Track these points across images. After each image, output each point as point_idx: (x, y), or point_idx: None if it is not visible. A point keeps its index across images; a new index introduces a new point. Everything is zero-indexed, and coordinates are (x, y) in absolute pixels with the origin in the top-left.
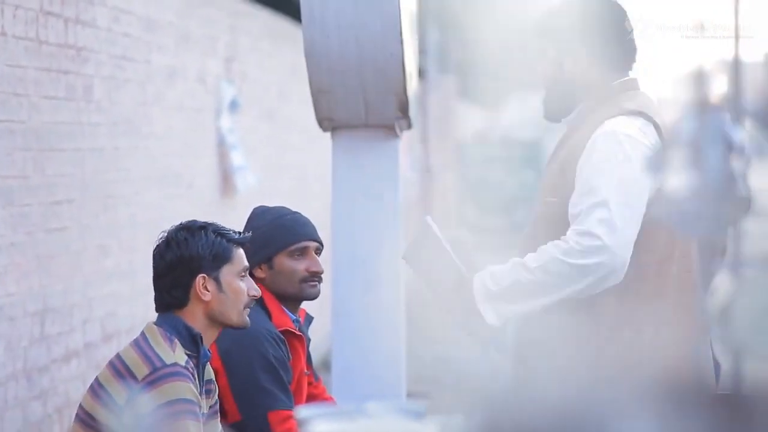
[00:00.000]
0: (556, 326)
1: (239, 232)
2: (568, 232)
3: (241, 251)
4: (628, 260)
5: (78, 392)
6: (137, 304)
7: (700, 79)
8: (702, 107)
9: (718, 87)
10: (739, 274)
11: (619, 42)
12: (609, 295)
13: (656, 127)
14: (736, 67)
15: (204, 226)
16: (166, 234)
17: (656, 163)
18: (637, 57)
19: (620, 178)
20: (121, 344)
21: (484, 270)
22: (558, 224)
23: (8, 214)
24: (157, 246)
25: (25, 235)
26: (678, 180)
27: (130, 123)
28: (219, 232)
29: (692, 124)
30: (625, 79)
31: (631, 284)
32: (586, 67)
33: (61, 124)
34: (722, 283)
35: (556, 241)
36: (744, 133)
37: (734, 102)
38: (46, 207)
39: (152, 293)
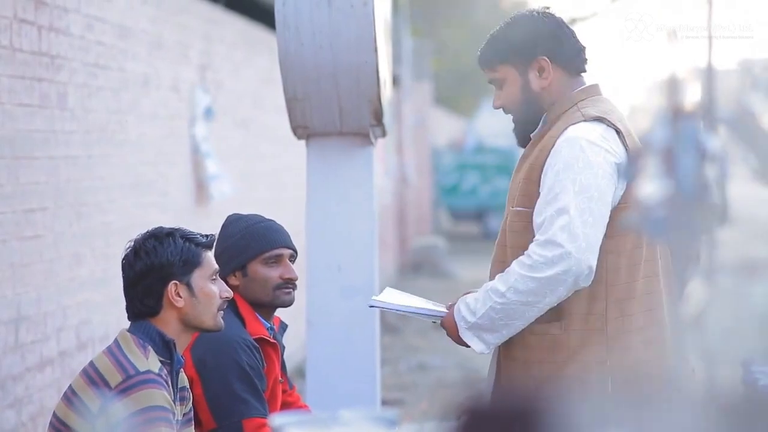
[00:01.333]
0: (529, 329)
1: (206, 235)
2: (530, 245)
3: (210, 254)
4: (594, 264)
5: (52, 400)
6: (111, 312)
7: (673, 86)
8: (675, 114)
9: (692, 94)
10: (712, 282)
11: (572, 47)
12: (579, 300)
13: (618, 132)
14: (709, 75)
15: (171, 233)
16: (133, 243)
17: (621, 171)
18: (586, 58)
19: (581, 184)
20: (96, 352)
21: (459, 300)
22: (529, 233)
23: None
24: (126, 256)
25: None
26: (651, 187)
27: (104, 131)
28: (187, 237)
29: (665, 131)
30: (587, 86)
31: (599, 288)
32: (550, 78)
33: (34, 132)
34: (696, 290)
35: (520, 258)
36: (717, 141)
37: (707, 109)
38: (19, 215)
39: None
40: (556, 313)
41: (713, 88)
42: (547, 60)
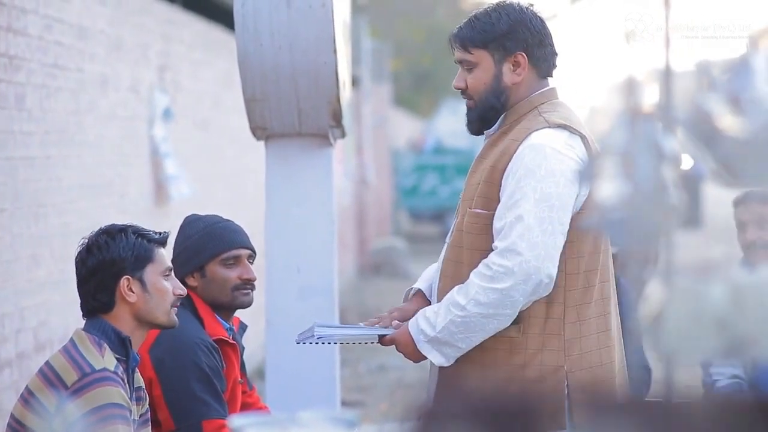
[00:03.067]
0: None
1: (159, 233)
2: (490, 255)
3: (163, 251)
4: (554, 273)
5: (11, 402)
6: (70, 313)
7: (631, 88)
8: (633, 116)
9: (650, 96)
10: (670, 283)
11: (551, 49)
12: (538, 304)
13: (583, 138)
14: (667, 76)
15: (124, 229)
16: (86, 240)
17: (583, 176)
18: (557, 65)
19: (542, 192)
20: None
21: (418, 313)
22: (488, 235)
23: None
24: (79, 252)
25: None
26: (609, 189)
27: (62, 132)
28: (139, 233)
29: (623, 132)
30: (545, 89)
31: (558, 293)
32: (523, 75)
33: None
34: (654, 291)
35: (479, 270)
36: (675, 142)
37: (665, 111)
38: None
39: None
40: (516, 317)
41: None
42: (525, 57)
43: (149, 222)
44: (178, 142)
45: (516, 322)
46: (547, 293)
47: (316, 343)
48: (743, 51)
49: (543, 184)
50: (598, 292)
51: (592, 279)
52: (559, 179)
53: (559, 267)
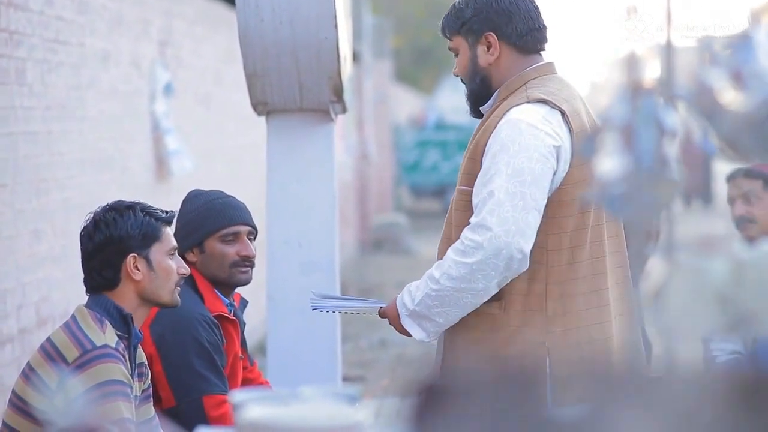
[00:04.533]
0: (473, 313)
1: (166, 211)
2: (464, 230)
3: (169, 230)
4: (527, 248)
5: (12, 378)
6: (71, 288)
7: (632, 63)
8: (634, 91)
9: (651, 71)
10: (671, 258)
11: (525, 24)
12: (520, 280)
13: (563, 114)
14: (668, 52)
15: (131, 206)
16: (93, 215)
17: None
18: (548, 38)
19: (514, 167)
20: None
21: (404, 287)
22: (471, 212)
23: None
24: (85, 227)
25: None
26: (610, 163)
27: (63, 107)
28: (147, 211)
29: (625, 107)
30: (539, 64)
31: (539, 269)
32: (497, 54)
33: None
34: (655, 266)
35: (455, 244)
36: (676, 117)
37: (667, 86)
38: None
39: None
40: (497, 293)
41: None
42: (495, 37)
43: (150, 197)
44: (179, 117)
45: (498, 298)
46: (524, 269)
47: (323, 311)
48: (744, 26)
49: (516, 159)
50: (587, 268)
51: (578, 255)
52: (533, 154)
53: (540, 243)
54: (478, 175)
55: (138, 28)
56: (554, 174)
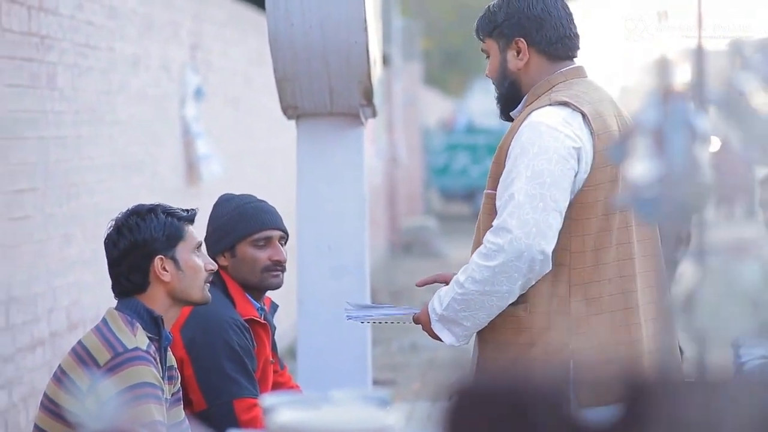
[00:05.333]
0: (500, 315)
1: (187, 210)
2: (486, 234)
3: (191, 228)
4: (548, 249)
5: (44, 381)
6: (101, 292)
7: (664, 67)
8: (665, 95)
9: (682, 75)
10: (703, 263)
11: (556, 32)
12: (544, 282)
13: (584, 116)
14: (699, 55)
15: (152, 209)
16: (115, 222)
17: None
18: (580, 46)
19: (533, 169)
20: None
21: (436, 292)
22: (496, 215)
23: None
24: (108, 234)
25: None
26: (642, 167)
27: (93, 111)
28: (168, 212)
29: (656, 111)
30: (567, 68)
31: (563, 271)
32: (526, 59)
33: (24, 113)
34: (686, 271)
35: (479, 248)
36: (708, 121)
37: (698, 90)
38: (9, 196)
39: None
40: (522, 295)
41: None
42: (524, 42)
43: (180, 201)
44: (209, 121)
45: (523, 300)
46: (546, 270)
47: (362, 322)
48: None
49: (535, 161)
50: (613, 270)
51: (603, 257)
52: (552, 156)
53: (563, 245)
54: (500, 178)
55: (168, 32)
56: (575, 176)
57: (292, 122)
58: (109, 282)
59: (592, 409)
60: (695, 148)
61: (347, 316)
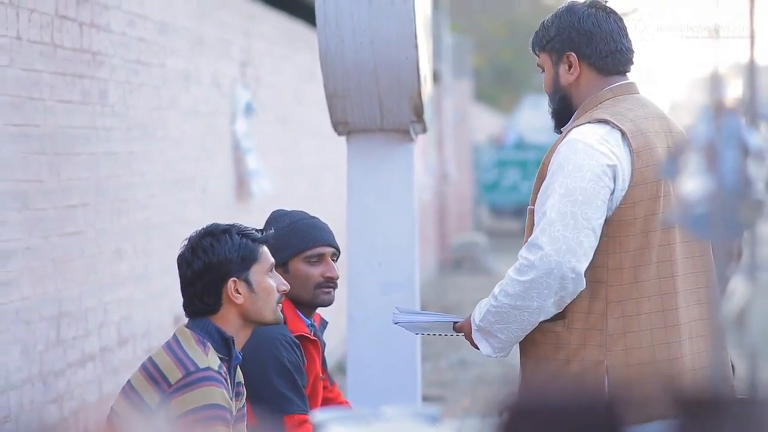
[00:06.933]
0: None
1: (261, 230)
2: (521, 249)
3: (265, 249)
4: (580, 267)
5: (94, 396)
6: (152, 308)
7: (715, 82)
8: (717, 110)
9: (733, 90)
10: (754, 278)
11: (607, 46)
12: (582, 299)
13: (623, 134)
14: (751, 71)
15: (227, 230)
16: (189, 241)
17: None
18: (633, 60)
19: (567, 187)
20: (137, 348)
21: (478, 302)
22: None
23: (23, 218)
24: (182, 254)
25: (41, 239)
26: (693, 183)
27: (144, 127)
28: (243, 233)
29: (707, 127)
30: (617, 84)
31: (600, 288)
32: (577, 74)
33: (75, 128)
34: (738, 287)
35: (515, 263)
36: (759, 137)
37: (749, 105)
38: (61, 211)
39: (168, 297)
40: (561, 311)
41: (755, 84)
42: (575, 56)
43: (230, 217)
44: (258, 137)
45: (562, 316)
46: (580, 288)
47: (403, 325)
48: None
49: (569, 179)
50: (653, 288)
51: (642, 274)
52: (585, 174)
53: (601, 263)
54: (538, 195)
55: (219, 48)
56: (612, 193)
57: (342, 138)
58: (159, 297)
59: (635, 426)
60: (747, 164)
61: (394, 320)
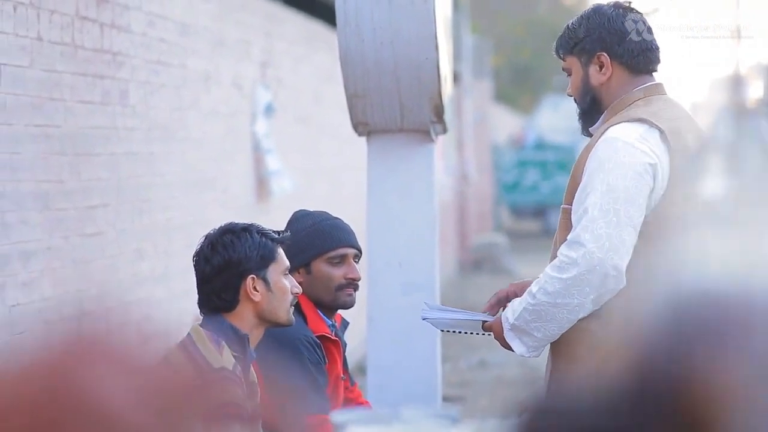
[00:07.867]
0: (574, 325)
1: (279, 232)
2: (561, 246)
3: (281, 250)
4: (622, 264)
5: None
6: (173, 308)
7: (736, 83)
8: (738, 111)
9: (755, 91)
10: None
11: (634, 46)
12: (619, 298)
13: (662, 133)
14: None
15: (247, 228)
16: (207, 238)
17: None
18: (661, 59)
19: (608, 184)
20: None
21: (510, 302)
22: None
23: (44, 218)
24: (200, 251)
25: (61, 239)
26: (715, 184)
27: (165, 128)
28: (262, 232)
29: (728, 128)
30: (647, 85)
31: (639, 288)
32: (609, 74)
33: (96, 129)
34: None
35: (554, 260)
36: None
37: None
38: (81, 211)
39: (188, 297)
40: (598, 310)
41: None
42: (607, 56)
43: (251, 217)
44: (279, 137)
45: (597, 315)
46: (620, 286)
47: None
48: None
49: (610, 176)
50: None
51: None
52: (627, 172)
53: (639, 261)
54: (576, 193)
55: (239, 49)
56: (651, 192)
57: (362, 139)
58: (180, 297)
59: None
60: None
61: (423, 316)
